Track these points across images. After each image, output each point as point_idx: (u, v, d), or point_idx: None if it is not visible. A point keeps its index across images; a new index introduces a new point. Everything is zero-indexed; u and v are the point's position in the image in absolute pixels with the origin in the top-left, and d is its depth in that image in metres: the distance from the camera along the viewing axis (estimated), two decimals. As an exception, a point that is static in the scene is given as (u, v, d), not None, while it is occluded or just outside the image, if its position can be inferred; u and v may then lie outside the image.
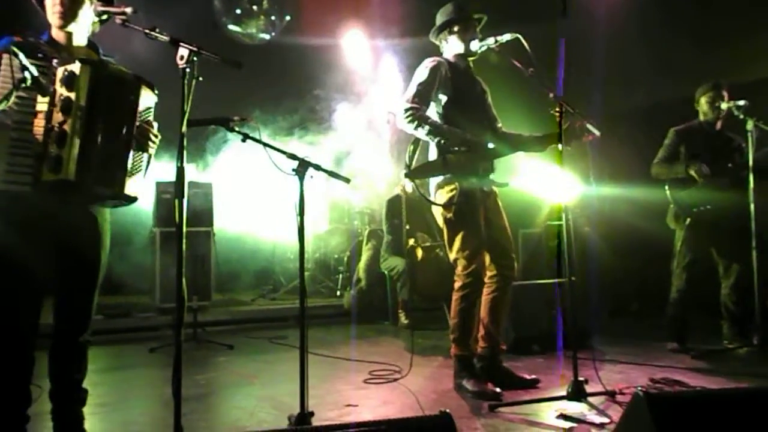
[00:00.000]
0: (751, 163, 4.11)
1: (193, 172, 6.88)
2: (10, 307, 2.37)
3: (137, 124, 2.50)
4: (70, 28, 2.49)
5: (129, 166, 2.49)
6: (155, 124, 2.59)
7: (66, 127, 2.31)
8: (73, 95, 2.31)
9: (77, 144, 2.32)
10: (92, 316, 2.61)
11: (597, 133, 3.24)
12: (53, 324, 2.55)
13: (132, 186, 2.53)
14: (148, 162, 2.63)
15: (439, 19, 3.65)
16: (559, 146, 3.22)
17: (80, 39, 2.56)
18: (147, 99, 2.55)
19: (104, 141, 2.41)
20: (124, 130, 2.47)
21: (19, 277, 2.35)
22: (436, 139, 3.40)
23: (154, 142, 2.57)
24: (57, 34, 2.52)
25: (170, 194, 5.56)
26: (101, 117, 2.39)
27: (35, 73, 2.13)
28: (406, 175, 3.55)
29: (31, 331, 2.42)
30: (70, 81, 2.31)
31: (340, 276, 7.19)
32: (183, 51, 2.20)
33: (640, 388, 1.72)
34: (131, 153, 2.50)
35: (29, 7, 2.56)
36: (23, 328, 2.40)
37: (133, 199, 2.58)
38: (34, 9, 2.55)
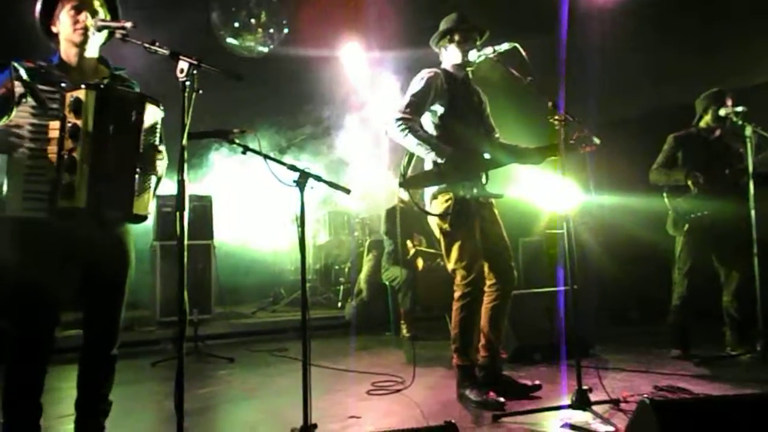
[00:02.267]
0: (750, 169, 4.11)
1: (190, 185, 6.88)
2: (29, 324, 2.41)
3: (144, 142, 2.52)
4: (87, 44, 2.52)
5: (137, 186, 2.52)
6: (163, 146, 2.62)
7: (75, 154, 2.34)
8: (80, 121, 2.35)
9: (86, 170, 2.36)
10: (119, 330, 2.64)
11: (597, 142, 3.24)
12: (83, 338, 2.59)
13: (140, 205, 2.55)
14: (158, 180, 2.66)
15: (442, 26, 3.67)
16: (560, 155, 3.22)
17: (92, 53, 2.59)
18: (152, 115, 2.56)
19: (112, 165, 2.44)
20: (131, 152, 2.49)
21: (38, 297, 2.38)
22: (423, 151, 3.40)
23: (161, 162, 2.60)
24: (68, 54, 2.54)
25: (170, 207, 5.57)
26: (108, 141, 2.42)
27: (39, 93, 2.15)
28: (401, 185, 3.55)
29: (47, 346, 2.46)
30: (77, 107, 2.34)
31: (341, 287, 7.18)
32: (183, 64, 2.20)
33: (645, 396, 1.71)
34: (138, 173, 2.52)
35: (35, 34, 2.59)
36: (40, 343, 2.44)
37: (143, 218, 2.61)
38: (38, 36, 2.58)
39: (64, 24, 2.51)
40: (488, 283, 3.57)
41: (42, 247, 2.37)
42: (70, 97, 2.35)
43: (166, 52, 2.24)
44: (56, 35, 2.56)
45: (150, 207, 2.62)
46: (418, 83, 3.51)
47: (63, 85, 2.38)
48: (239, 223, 7.74)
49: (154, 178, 2.62)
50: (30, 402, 2.44)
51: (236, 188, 7.81)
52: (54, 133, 2.33)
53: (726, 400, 1.98)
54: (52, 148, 2.33)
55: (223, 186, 7.64)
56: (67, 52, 2.55)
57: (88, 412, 2.60)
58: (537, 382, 3.52)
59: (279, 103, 7.67)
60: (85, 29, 2.48)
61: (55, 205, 2.32)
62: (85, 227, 2.45)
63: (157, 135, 2.61)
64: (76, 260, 2.47)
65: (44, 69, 2.40)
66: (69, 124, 2.33)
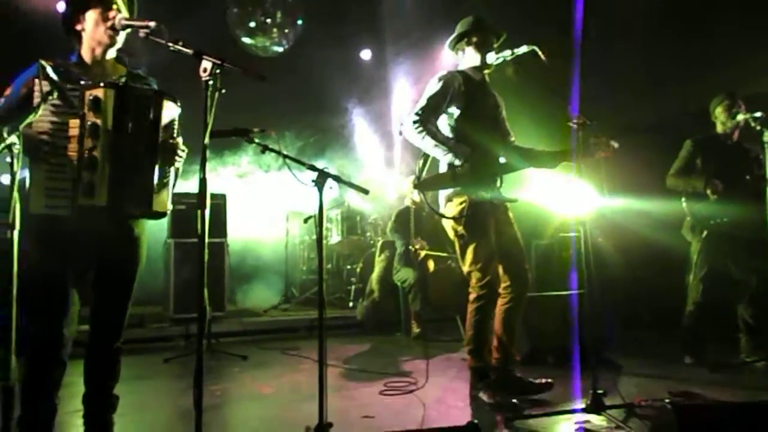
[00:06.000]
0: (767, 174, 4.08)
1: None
2: (49, 323, 2.45)
3: (162, 138, 2.54)
4: (113, 45, 2.56)
5: (156, 182, 2.54)
6: (180, 139, 2.62)
7: (96, 152, 2.37)
8: (99, 120, 2.37)
9: (107, 168, 2.39)
10: (124, 325, 2.67)
11: (615, 146, 3.24)
12: (89, 332, 2.62)
13: (160, 201, 2.58)
14: (176, 175, 2.67)
15: (458, 29, 3.67)
16: (575, 160, 3.22)
17: (112, 53, 2.63)
18: (170, 112, 2.59)
19: (132, 162, 2.47)
20: (150, 149, 2.52)
21: (59, 296, 2.44)
22: (440, 153, 3.40)
23: (180, 157, 2.61)
24: (90, 53, 2.57)
25: (185, 205, 5.58)
26: (127, 139, 2.45)
27: (65, 91, 2.18)
28: (416, 187, 3.56)
29: (61, 342, 2.48)
30: (95, 106, 2.36)
31: (353, 287, 7.19)
32: (206, 63, 2.22)
33: (667, 400, 1.71)
34: (157, 169, 2.54)
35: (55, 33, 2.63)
36: (55, 340, 2.46)
37: (163, 215, 2.63)
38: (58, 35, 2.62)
39: (91, 23, 2.53)
40: (502, 285, 3.57)
41: (64, 244, 2.41)
42: (89, 95, 2.37)
43: (189, 51, 2.26)
44: (79, 33, 2.57)
45: (168, 204, 2.64)
46: (435, 85, 3.52)
47: (82, 82, 2.40)
48: (252, 222, 7.78)
49: (172, 174, 2.63)
50: (45, 400, 2.47)
51: (249, 186, 7.86)
52: (74, 131, 2.36)
53: (749, 406, 1.98)
54: (73, 146, 2.36)
55: (236, 184, 7.69)
56: (89, 50, 2.57)
57: (95, 405, 2.63)
58: (549, 380, 3.51)
59: (293, 104, 7.68)
60: (114, 30, 2.51)
61: (76, 203, 2.35)
62: (104, 224, 2.48)
63: (175, 130, 2.63)
64: (93, 257, 2.51)
65: (63, 67, 2.41)
66: (89, 123, 2.36)
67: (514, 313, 3.58)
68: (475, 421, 1.58)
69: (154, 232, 6.26)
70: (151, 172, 2.52)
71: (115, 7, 2.53)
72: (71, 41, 2.60)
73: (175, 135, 2.61)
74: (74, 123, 2.36)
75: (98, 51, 2.57)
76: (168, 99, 2.56)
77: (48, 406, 2.48)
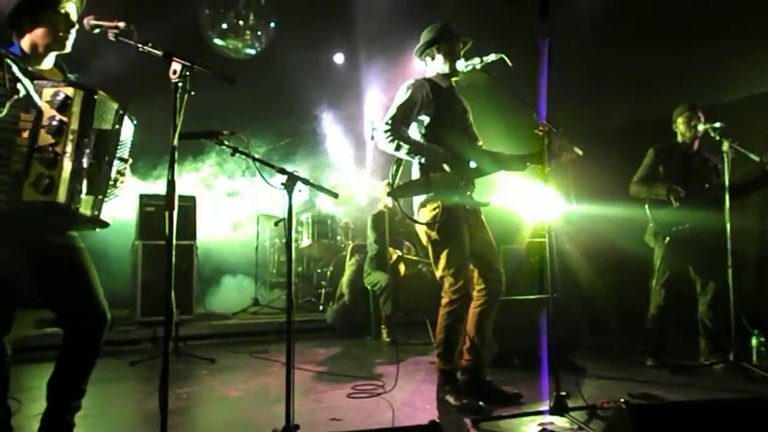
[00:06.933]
0: (726, 183, 4.22)
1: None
2: None
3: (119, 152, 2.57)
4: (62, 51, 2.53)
5: (107, 190, 2.56)
6: (130, 161, 2.66)
7: (58, 149, 2.31)
8: (66, 118, 2.33)
9: (68, 167, 2.34)
10: (105, 326, 2.60)
11: (579, 152, 3.31)
12: (64, 336, 2.54)
13: (106, 211, 2.58)
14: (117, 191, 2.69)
15: (425, 36, 3.69)
16: (543, 164, 3.29)
17: (51, 57, 2.57)
18: (128, 127, 2.62)
19: (91, 165, 2.45)
20: (108, 156, 2.53)
21: None
22: (416, 158, 3.44)
23: (125, 178, 2.65)
24: (28, 48, 2.48)
25: (153, 207, 5.52)
26: (90, 142, 2.43)
27: (30, 87, 2.14)
28: (389, 194, 3.58)
29: (4, 343, 2.42)
30: (63, 104, 2.32)
31: (323, 291, 7.18)
32: (176, 65, 2.22)
33: (622, 400, 1.76)
34: (111, 179, 2.56)
35: None
36: None
37: (106, 224, 2.62)
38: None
39: (40, 31, 2.46)
40: (477, 288, 3.59)
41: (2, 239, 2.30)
42: (55, 92, 2.32)
43: (159, 53, 2.25)
44: (23, 30, 2.48)
45: (112, 214, 2.64)
46: (403, 94, 3.54)
47: (45, 81, 2.34)
48: (222, 224, 7.73)
49: (120, 187, 2.65)
50: None
51: (219, 189, 7.83)
52: (25, 125, 2.27)
53: (700, 405, 2.05)
54: (23, 140, 2.26)
55: (206, 186, 7.64)
56: (30, 46, 2.48)
57: (62, 408, 2.56)
58: (517, 392, 3.56)
59: (265, 107, 7.66)
60: (67, 41, 2.49)
61: (20, 198, 2.24)
62: (49, 226, 2.43)
63: (127, 147, 2.65)
64: (34, 259, 2.41)
65: (17, 63, 2.32)
66: (53, 119, 2.29)
67: (488, 314, 3.62)
68: (437, 420, 1.61)
69: (122, 233, 6.22)
70: (107, 179, 2.53)
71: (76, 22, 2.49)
72: (10, 34, 2.49)
73: (126, 152, 2.63)
74: (26, 117, 2.26)
75: (41, 49, 2.49)
76: (128, 114, 2.58)
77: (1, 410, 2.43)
